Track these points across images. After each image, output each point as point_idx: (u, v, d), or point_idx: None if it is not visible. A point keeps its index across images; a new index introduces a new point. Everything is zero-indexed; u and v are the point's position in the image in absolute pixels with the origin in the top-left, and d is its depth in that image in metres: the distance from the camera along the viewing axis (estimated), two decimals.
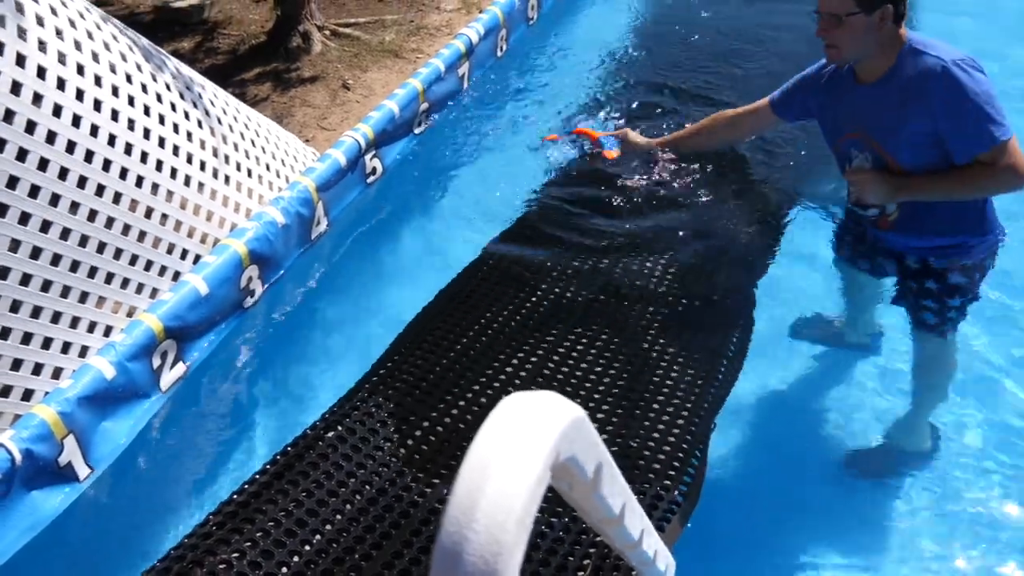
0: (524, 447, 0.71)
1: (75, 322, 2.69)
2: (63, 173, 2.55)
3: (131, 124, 2.79)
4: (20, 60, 2.42)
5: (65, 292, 2.63)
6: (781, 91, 2.91)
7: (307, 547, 2.17)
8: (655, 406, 2.55)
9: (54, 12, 2.60)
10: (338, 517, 2.26)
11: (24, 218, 2.45)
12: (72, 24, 2.67)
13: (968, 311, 2.70)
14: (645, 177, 3.41)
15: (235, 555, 2.12)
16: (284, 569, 2.11)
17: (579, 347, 2.77)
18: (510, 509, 0.67)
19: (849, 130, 2.59)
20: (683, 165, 3.42)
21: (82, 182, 2.61)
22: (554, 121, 4.30)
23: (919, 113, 2.39)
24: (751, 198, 3.48)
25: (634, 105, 4.26)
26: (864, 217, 2.69)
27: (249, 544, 2.15)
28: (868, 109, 2.51)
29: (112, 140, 2.71)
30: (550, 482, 0.75)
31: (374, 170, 3.87)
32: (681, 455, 2.40)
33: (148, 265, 2.89)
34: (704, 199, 3.41)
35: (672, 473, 2.35)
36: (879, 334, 3.16)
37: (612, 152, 3.18)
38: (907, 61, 2.42)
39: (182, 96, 3.10)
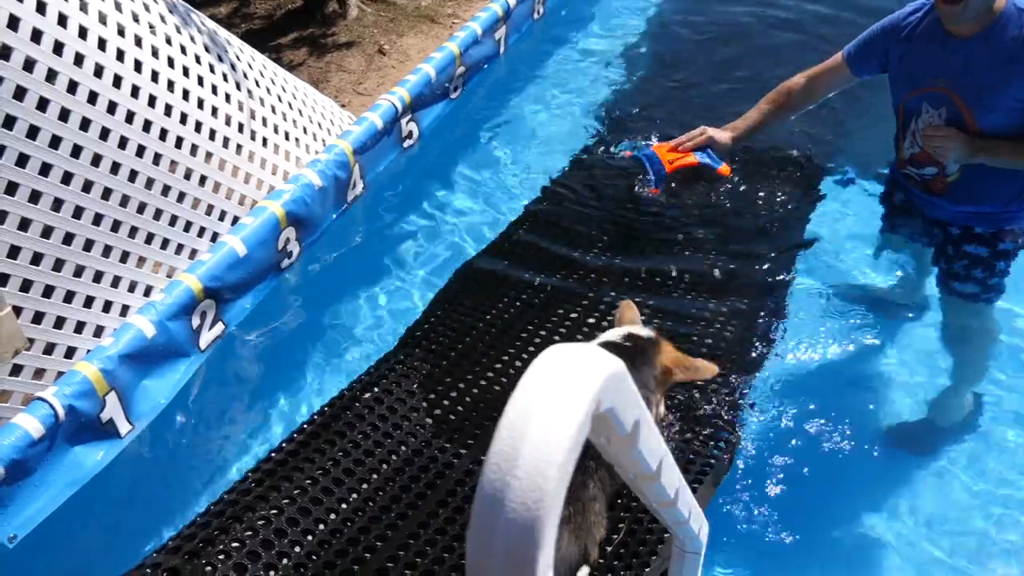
0: (566, 395, 0.70)
1: (116, 281, 2.73)
2: (104, 134, 2.57)
3: (170, 86, 2.81)
4: (62, 20, 2.43)
5: (106, 252, 2.67)
6: (856, 45, 2.74)
7: (344, 505, 2.20)
8: None
9: None
10: (374, 477, 2.28)
11: (67, 178, 2.48)
12: None
13: (1008, 278, 2.65)
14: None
15: (273, 511, 2.16)
16: (321, 526, 2.14)
17: (614, 312, 2.76)
18: (552, 456, 0.67)
19: (928, 84, 2.46)
20: None
21: (123, 143, 2.63)
22: (589, 86, 4.27)
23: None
24: (791, 163, 3.44)
25: (679, 69, 4.20)
26: (918, 176, 2.59)
27: (287, 501, 2.19)
28: (961, 65, 2.38)
29: (152, 101, 2.73)
30: (589, 435, 0.74)
31: (410, 134, 3.86)
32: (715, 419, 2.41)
33: (187, 226, 2.92)
34: (742, 164, 3.37)
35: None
36: (921, 303, 3.11)
37: (656, 190, 2.93)
38: (1012, 19, 2.30)
39: (220, 59, 3.11)
